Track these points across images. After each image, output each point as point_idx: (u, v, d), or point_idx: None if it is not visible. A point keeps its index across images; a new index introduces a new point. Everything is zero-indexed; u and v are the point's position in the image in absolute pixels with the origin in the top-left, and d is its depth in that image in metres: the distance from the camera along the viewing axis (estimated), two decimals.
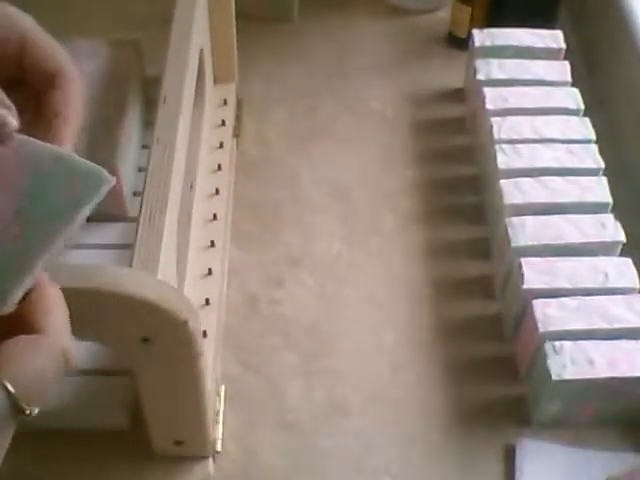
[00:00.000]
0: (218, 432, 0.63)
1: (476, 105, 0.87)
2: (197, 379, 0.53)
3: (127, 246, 0.66)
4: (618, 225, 0.72)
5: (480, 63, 0.87)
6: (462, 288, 0.77)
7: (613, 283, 0.68)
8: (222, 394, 0.66)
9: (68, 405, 0.61)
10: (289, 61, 0.99)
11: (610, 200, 0.75)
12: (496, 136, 0.79)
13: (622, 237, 0.72)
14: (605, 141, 0.81)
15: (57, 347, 0.36)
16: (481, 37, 0.90)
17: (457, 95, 0.95)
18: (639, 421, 0.66)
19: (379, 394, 0.69)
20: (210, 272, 0.70)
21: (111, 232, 0.71)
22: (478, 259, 0.79)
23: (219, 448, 0.63)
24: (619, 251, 0.72)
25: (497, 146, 0.78)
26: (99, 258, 0.69)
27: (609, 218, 0.73)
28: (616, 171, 0.80)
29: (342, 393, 0.69)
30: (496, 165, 0.77)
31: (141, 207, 0.53)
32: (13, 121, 0.37)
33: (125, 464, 0.61)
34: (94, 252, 0.70)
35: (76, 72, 0.42)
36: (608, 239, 0.71)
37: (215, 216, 0.75)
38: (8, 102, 0.38)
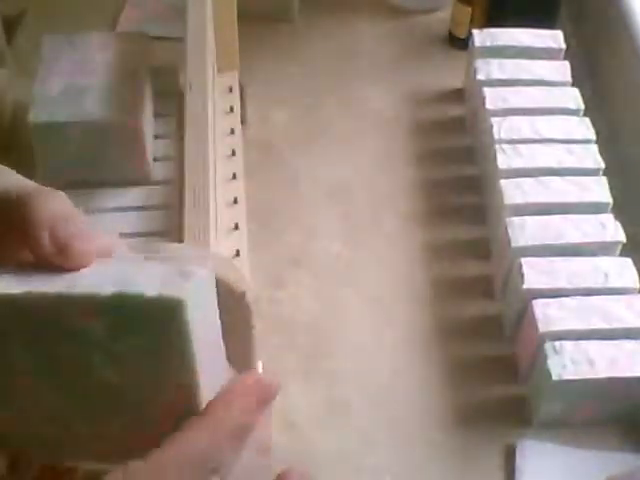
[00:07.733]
0: None
1: (476, 105, 0.87)
2: (251, 351, 0.53)
3: (147, 208, 0.69)
4: (618, 225, 0.72)
5: (480, 63, 0.87)
6: (462, 288, 0.77)
7: (613, 283, 0.68)
8: None
9: None
10: (289, 61, 0.99)
11: (610, 200, 0.75)
12: (496, 136, 0.79)
13: (622, 237, 0.72)
14: (605, 141, 0.81)
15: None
16: (481, 37, 0.90)
17: (457, 95, 0.95)
18: (639, 421, 0.67)
19: (379, 394, 0.69)
20: None
21: (131, 196, 0.72)
22: (478, 259, 0.79)
23: None
24: (619, 251, 0.72)
25: (497, 146, 0.78)
26: (123, 220, 0.70)
27: (609, 218, 0.73)
28: (616, 171, 0.80)
29: (342, 393, 0.69)
30: (496, 165, 0.77)
31: (182, 193, 0.55)
32: None
33: None
34: (119, 215, 0.71)
35: None
36: (608, 239, 0.71)
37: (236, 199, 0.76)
38: None
